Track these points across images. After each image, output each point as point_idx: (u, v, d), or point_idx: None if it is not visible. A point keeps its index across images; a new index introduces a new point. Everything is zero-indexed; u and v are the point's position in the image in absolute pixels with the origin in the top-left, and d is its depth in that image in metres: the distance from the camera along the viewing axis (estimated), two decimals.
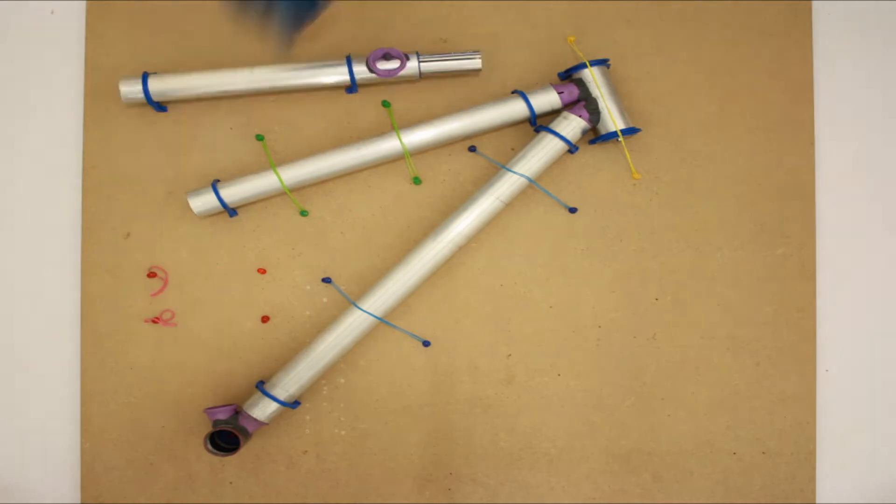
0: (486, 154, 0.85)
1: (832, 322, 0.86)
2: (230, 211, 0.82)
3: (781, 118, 0.85)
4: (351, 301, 0.81)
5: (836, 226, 0.86)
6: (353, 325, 0.80)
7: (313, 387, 0.84)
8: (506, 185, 0.80)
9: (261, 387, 0.80)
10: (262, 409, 0.79)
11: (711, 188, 0.85)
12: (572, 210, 0.85)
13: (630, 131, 0.81)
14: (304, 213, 0.85)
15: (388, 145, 0.81)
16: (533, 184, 0.81)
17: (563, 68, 0.85)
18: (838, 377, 0.86)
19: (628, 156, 0.84)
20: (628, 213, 0.85)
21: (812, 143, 0.85)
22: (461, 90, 0.85)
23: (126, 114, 0.85)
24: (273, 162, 0.82)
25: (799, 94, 0.85)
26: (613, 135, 0.80)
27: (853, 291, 0.86)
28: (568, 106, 0.81)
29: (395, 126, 0.81)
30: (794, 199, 0.85)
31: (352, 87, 0.82)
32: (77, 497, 0.85)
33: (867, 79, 0.87)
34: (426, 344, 0.84)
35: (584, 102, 0.80)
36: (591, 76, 0.80)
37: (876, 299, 0.86)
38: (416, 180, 0.85)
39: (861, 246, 0.86)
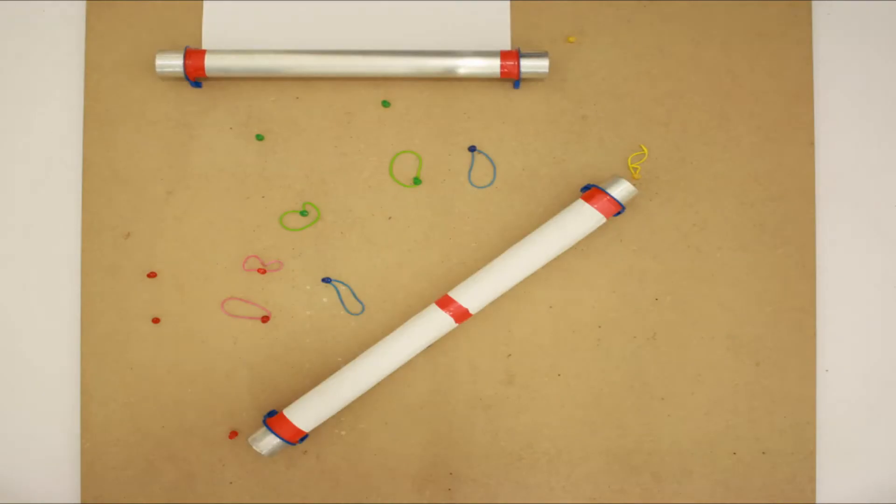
0: (485, 153, 0.85)
1: (832, 322, 0.86)
2: (194, 83, 0.83)
3: (781, 118, 0.85)
4: (355, 297, 0.81)
5: (836, 225, 0.86)
6: (366, 372, 0.80)
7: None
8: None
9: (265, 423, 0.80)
10: (267, 444, 0.80)
11: (711, 188, 0.85)
12: None
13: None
14: (303, 213, 0.85)
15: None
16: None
17: (562, 70, 0.85)
18: (839, 377, 0.86)
19: (630, 163, 0.84)
20: (628, 213, 0.85)
21: (812, 143, 0.85)
22: (460, 91, 0.85)
23: (126, 113, 0.85)
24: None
25: (799, 94, 0.85)
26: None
27: (853, 291, 0.86)
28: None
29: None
30: (794, 198, 0.85)
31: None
32: (77, 497, 0.85)
33: (867, 78, 0.87)
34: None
35: None
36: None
37: (876, 299, 0.86)
38: (417, 180, 0.85)
39: (861, 246, 0.86)
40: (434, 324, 0.80)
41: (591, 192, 0.81)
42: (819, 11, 0.87)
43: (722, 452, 0.84)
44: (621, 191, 0.80)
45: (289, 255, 0.85)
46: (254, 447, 0.80)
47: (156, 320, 0.84)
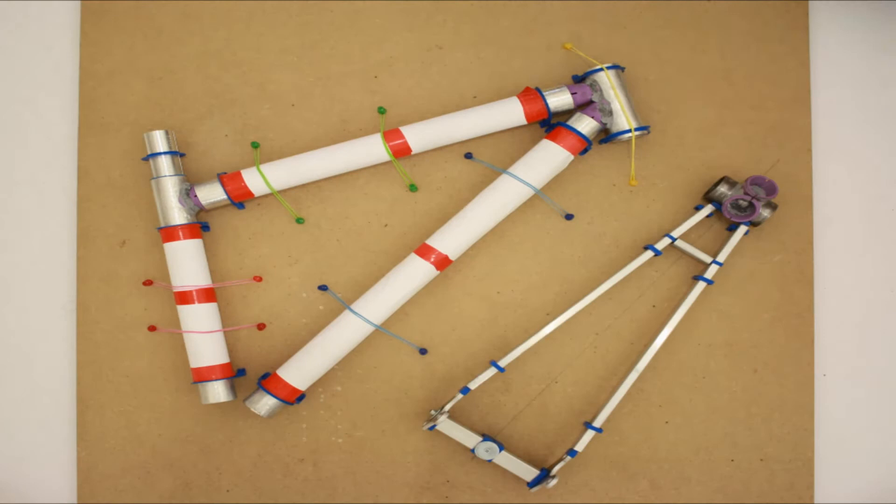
0: (482, 160, 0.84)
1: (830, 328, 0.85)
2: (238, 204, 0.82)
3: (778, 123, 0.85)
4: (349, 308, 0.81)
5: (833, 231, 0.86)
6: (350, 331, 0.80)
7: (310, 394, 0.84)
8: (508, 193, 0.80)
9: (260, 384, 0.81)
10: (263, 405, 0.80)
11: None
12: (569, 217, 0.84)
13: (641, 129, 0.80)
14: (299, 221, 0.84)
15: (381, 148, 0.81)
16: (537, 192, 0.81)
17: (560, 73, 0.85)
18: (837, 383, 0.85)
19: (633, 156, 0.83)
20: (625, 220, 0.84)
21: (809, 149, 0.85)
22: (456, 94, 0.85)
23: (120, 121, 0.85)
24: (264, 174, 0.81)
25: (796, 100, 0.85)
26: (623, 133, 0.80)
27: (851, 297, 0.86)
28: (580, 107, 0.81)
29: (382, 133, 0.81)
30: (792, 204, 0.84)
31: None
32: None
33: (865, 83, 0.87)
34: (423, 352, 0.84)
35: (597, 104, 0.80)
36: (608, 78, 0.80)
37: (874, 305, 0.86)
38: (413, 187, 0.84)
39: (859, 252, 0.86)
40: (416, 273, 0.80)
41: (556, 130, 0.80)
42: (816, 15, 0.86)
43: (720, 459, 0.84)
44: (586, 126, 0.79)
45: (285, 262, 0.84)
46: (252, 409, 0.80)
47: (152, 328, 0.84)
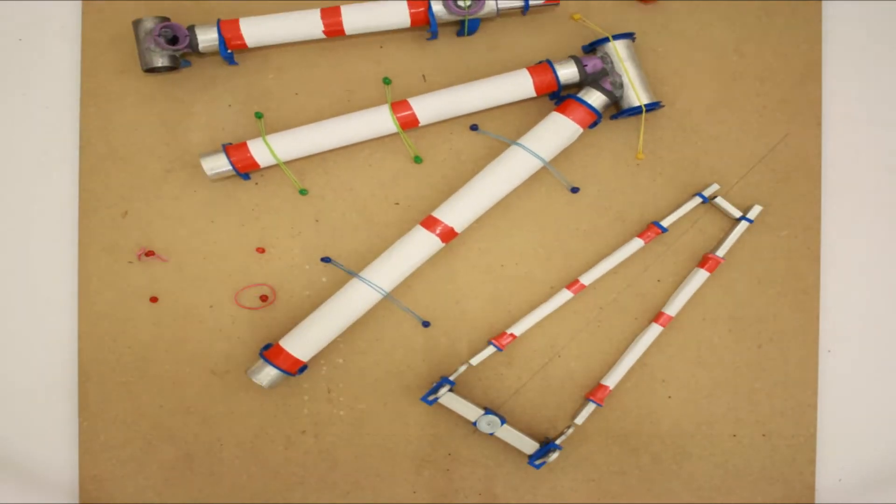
0: (489, 132, 0.84)
1: (836, 304, 0.85)
2: (243, 175, 0.81)
3: (789, 97, 0.84)
4: (356, 275, 0.80)
5: (842, 207, 0.85)
6: (354, 300, 0.79)
7: (312, 367, 0.84)
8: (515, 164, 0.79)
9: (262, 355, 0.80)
10: (265, 376, 0.79)
11: (716, 168, 0.84)
12: (574, 190, 0.84)
13: (653, 106, 0.80)
14: (303, 192, 0.84)
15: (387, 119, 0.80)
16: (545, 164, 0.80)
17: (568, 46, 0.84)
18: (841, 359, 0.85)
19: (642, 133, 0.83)
20: (631, 194, 0.84)
21: (819, 124, 0.84)
22: (465, 69, 0.84)
23: (124, 90, 0.84)
24: (269, 144, 0.80)
25: (807, 73, 0.84)
26: (636, 110, 0.79)
27: (858, 273, 0.85)
28: (590, 79, 0.80)
29: (390, 104, 0.80)
30: (801, 180, 0.84)
31: (432, 28, 0.80)
32: (75, 475, 0.85)
33: (877, 58, 0.86)
34: (426, 325, 0.84)
35: (608, 76, 0.79)
36: (615, 50, 0.79)
37: (881, 281, 0.86)
38: (417, 159, 0.84)
39: (867, 228, 0.85)
40: (421, 245, 0.79)
41: (566, 102, 0.80)
42: None
43: (722, 435, 0.84)
44: (596, 99, 0.79)
45: (288, 234, 0.84)
46: (253, 380, 0.79)
47: (153, 299, 0.84)
